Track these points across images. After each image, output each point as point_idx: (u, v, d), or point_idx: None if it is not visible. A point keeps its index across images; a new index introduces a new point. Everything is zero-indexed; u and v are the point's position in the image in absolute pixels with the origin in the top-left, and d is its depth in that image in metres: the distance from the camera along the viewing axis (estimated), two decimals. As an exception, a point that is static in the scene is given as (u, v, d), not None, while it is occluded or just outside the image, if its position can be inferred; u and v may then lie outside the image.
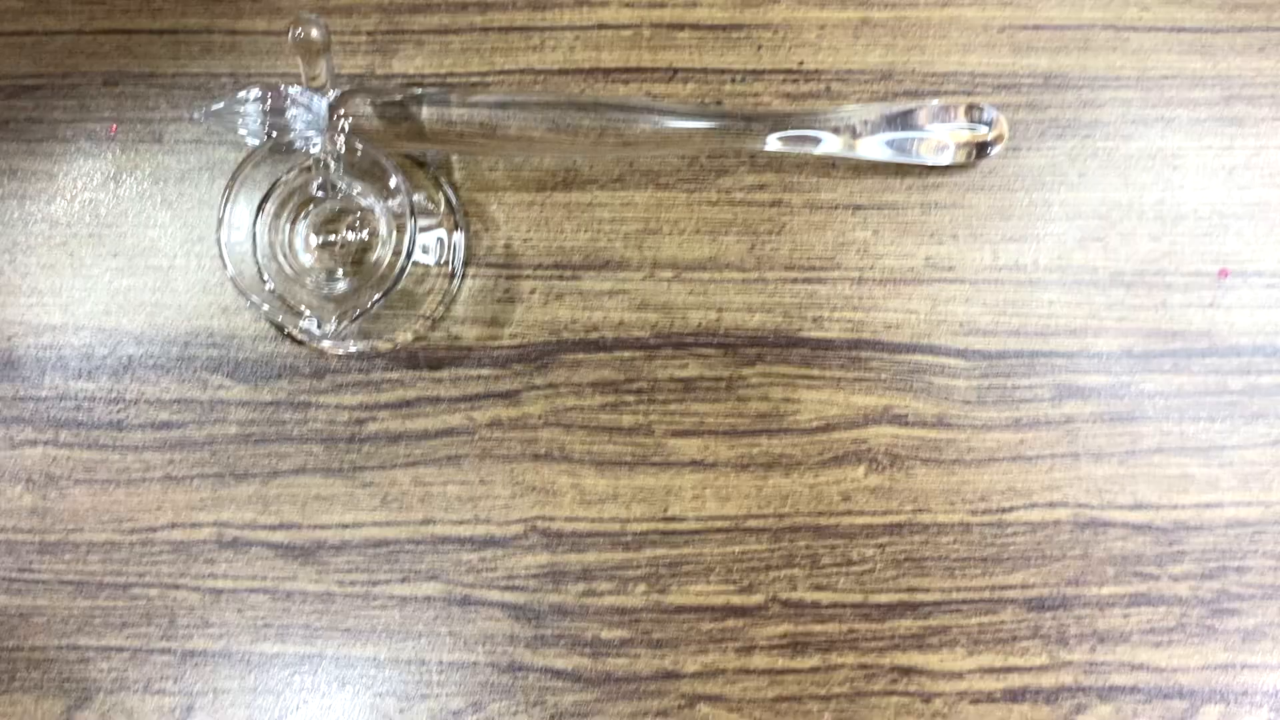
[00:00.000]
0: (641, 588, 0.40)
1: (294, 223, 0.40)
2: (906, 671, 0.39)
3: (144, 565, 0.41)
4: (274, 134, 0.38)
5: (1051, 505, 0.40)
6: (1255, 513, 0.39)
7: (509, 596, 0.40)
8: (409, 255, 0.37)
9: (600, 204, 0.41)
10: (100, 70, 0.42)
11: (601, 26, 0.41)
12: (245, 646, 0.40)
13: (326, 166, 0.38)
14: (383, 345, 0.41)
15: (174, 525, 0.41)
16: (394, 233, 0.38)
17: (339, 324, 0.36)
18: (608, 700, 0.40)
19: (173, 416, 0.41)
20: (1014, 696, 0.39)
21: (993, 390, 0.40)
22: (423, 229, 0.40)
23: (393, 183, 0.37)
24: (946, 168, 0.40)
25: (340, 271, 0.40)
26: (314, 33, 0.35)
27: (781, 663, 0.40)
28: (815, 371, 0.40)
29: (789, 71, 0.41)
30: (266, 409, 0.41)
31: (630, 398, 0.40)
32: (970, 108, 0.40)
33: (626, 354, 0.40)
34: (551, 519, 0.40)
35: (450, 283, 0.41)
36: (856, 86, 0.41)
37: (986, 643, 0.39)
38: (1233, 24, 0.41)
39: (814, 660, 0.40)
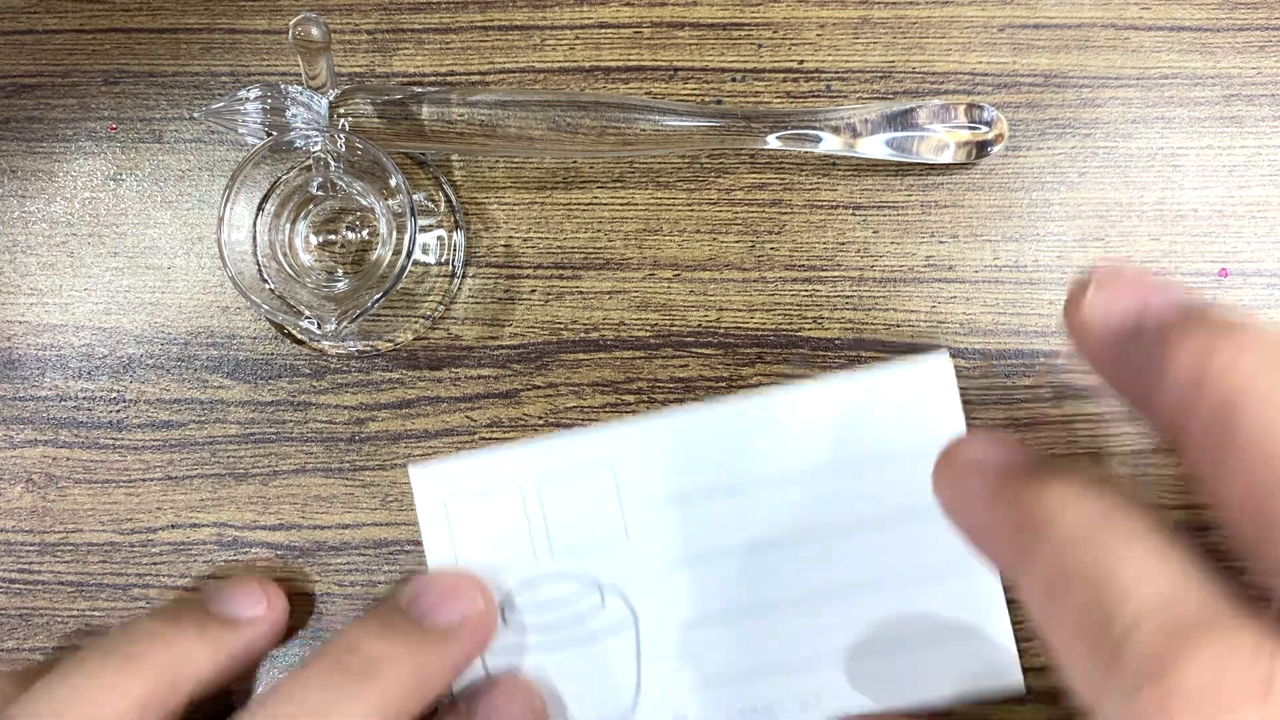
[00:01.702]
0: (641, 588, 0.40)
1: (294, 222, 0.40)
2: (906, 671, 0.39)
3: (144, 566, 0.41)
4: (274, 133, 0.38)
5: (1051, 505, 0.39)
6: (1255, 513, 0.39)
7: (509, 596, 0.40)
8: (409, 255, 0.37)
9: (600, 204, 0.41)
10: (100, 69, 0.42)
11: (602, 25, 0.41)
12: (245, 647, 0.40)
13: (326, 166, 0.38)
14: (383, 345, 0.41)
15: (174, 526, 0.41)
16: (394, 232, 0.38)
17: (339, 324, 0.36)
18: (608, 700, 0.40)
19: (173, 416, 0.41)
20: (1014, 697, 0.39)
21: (993, 390, 0.40)
22: (423, 229, 0.40)
23: (393, 182, 0.37)
24: (946, 167, 0.40)
25: (340, 271, 0.40)
26: (314, 31, 0.35)
27: (781, 663, 0.40)
28: (815, 371, 0.40)
29: (789, 70, 0.41)
30: (266, 409, 0.41)
31: (630, 398, 0.40)
32: (970, 107, 0.39)
33: (626, 354, 0.40)
34: (551, 519, 0.40)
35: (450, 283, 0.41)
36: (856, 85, 0.41)
37: (986, 643, 0.39)
38: (1233, 23, 0.41)
39: (814, 660, 0.40)
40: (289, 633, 0.40)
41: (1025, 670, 0.38)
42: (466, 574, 0.38)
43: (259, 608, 0.38)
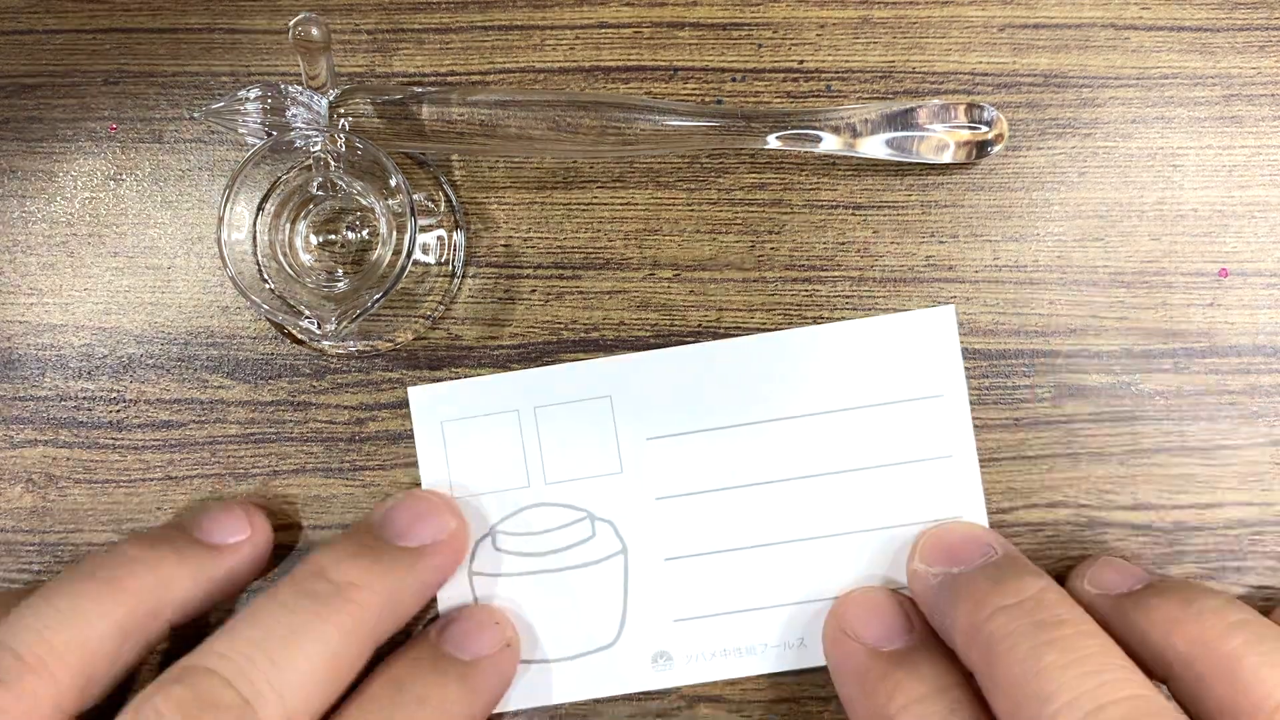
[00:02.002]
0: (641, 587, 0.40)
1: (294, 222, 0.40)
2: (906, 671, 0.39)
3: (144, 565, 0.41)
4: (274, 133, 0.38)
5: (1051, 505, 0.40)
6: (1255, 513, 0.39)
7: (509, 596, 0.40)
8: (409, 255, 0.37)
9: (600, 204, 0.41)
10: (100, 70, 0.42)
11: (602, 25, 0.41)
12: (245, 647, 0.40)
13: (326, 166, 0.38)
14: (383, 345, 0.41)
15: (174, 525, 0.41)
16: (394, 232, 0.38)
17: (339, 324, 0.36)
18: (608, 701, 0.40)
19: (173, 416, 0.41)
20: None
21: (993, 390, 0.40)
22: (423, 229, 0.40)
23: (393, 182, 0.37)
24: (946, 167, 0.40)
25: (340, 271, 0.40)
26: (314, 31, 0.35)
27: (781, 663, 0.40)
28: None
29: (789, 70, 0.41)
30: (266, 409, 0.41)
31: (630, 397, 0.40)
32: (970, 107, 0.39)
33: (627, 354, 0.40)
34: (551, 519, 0.40)
35: (450, 282, 0.41)
36: (856, 85, 0.41)
37: (986, 643, 0.39)
38: (1233, 23, 0.41)
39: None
40: (273, 561, 0.40)
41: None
42: (438, 494, 0.39)
43: (242, 534, 0.38)
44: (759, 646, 0.39)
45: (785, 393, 0.39)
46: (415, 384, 0.40)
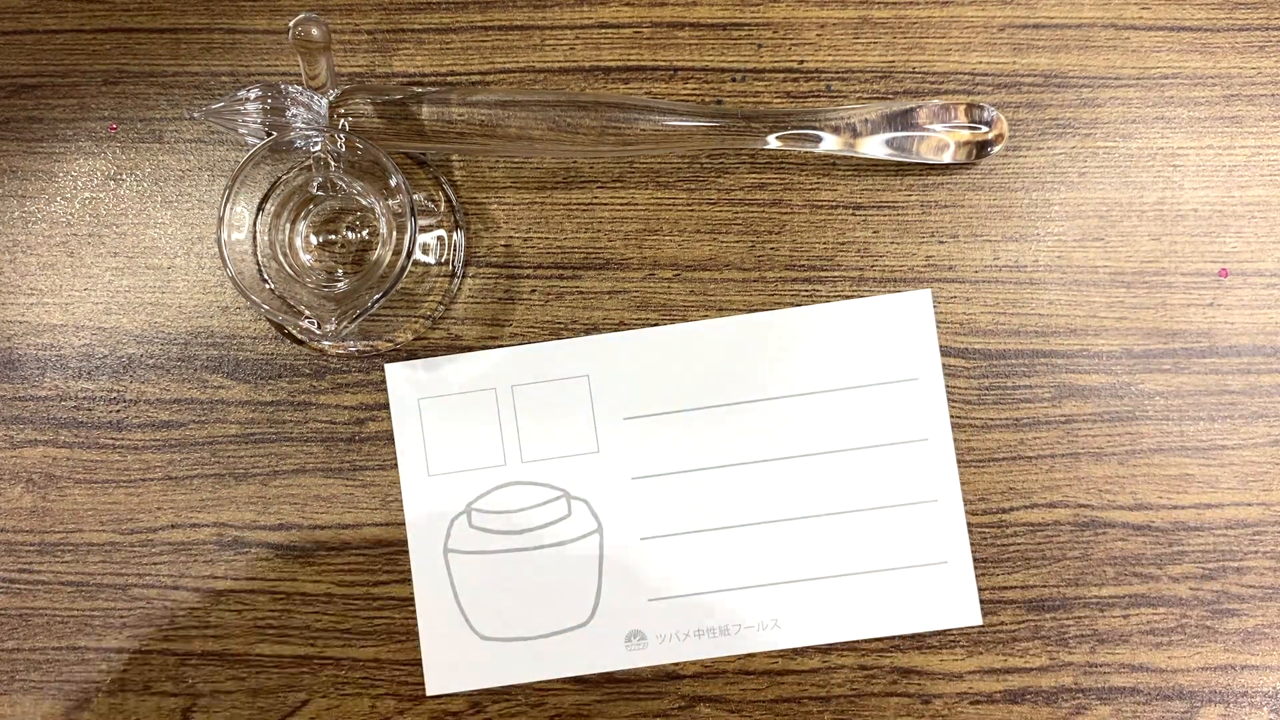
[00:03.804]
0: (641, 588, 0.40)
1: (294, 223, 0.40)
2: (906, 673, 0.39)
3: (144, 566, 0.41)
4: (274, 133, 0.38)
5: (1051, 505, 0.40)
6: (1255, 513, 0.39)
7: (509, 596, 0.40)
8: (409, 255, 0.37)
9: (600, 204, 0.41)
10: (100, 70, 0.42)
11: (602, 25, 0.41)
12: (245, 647, 0.40)
13: (327, 166, 0.38)
14: (383, 345, 0.41)
15: (174, 525, 0.41)
16: (394, 232, 0.38)
17: (339, 324, 0.36)
18: (608, 701, 0.40)
19: (173, 416, 0.41)
20: (1013, 698, 0.39)
21: (993, 390, 0.40)
22: (423, 229, 0.40)
23: (393, 182, 0.37)
24: (946, 167, 0.40)
25: (340, 271, 0.40)
26: (314, 31, 0.35)
27: (781, 664, 0.40)
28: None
29: (789, 70, 0.41)
30: (266, 409, 0.41)
31: (630, 398, 0.40)
32: (970, 107, 0.39)
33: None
34: (551, 519, 0.40)
35: (450, 283, 0.41)
36: (856, 85, 0.41)
37: (986, 643, 0.39)
38: (1233, 23, 0.41)
39: (814, 661, 0.40)
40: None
41: (982, 603, 0.39)
42: None
43: None
44: (733, 627, 0.39)
45: (763, 374, 0.39)
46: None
